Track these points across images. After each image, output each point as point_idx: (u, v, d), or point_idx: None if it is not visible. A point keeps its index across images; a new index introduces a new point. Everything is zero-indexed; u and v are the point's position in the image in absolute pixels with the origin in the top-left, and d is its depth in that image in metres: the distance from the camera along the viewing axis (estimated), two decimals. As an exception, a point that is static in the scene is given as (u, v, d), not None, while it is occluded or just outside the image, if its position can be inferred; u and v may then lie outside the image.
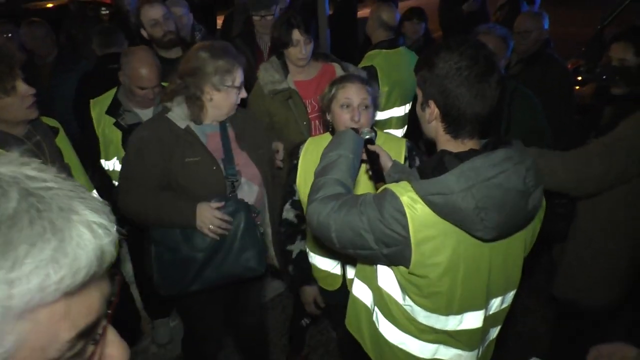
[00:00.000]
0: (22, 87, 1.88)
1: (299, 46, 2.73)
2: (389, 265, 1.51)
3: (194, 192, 2.14)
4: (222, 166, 2.19)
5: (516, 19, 3.41)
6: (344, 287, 2.25)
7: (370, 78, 2.77)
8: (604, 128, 2.17)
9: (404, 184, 1.41)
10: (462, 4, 5.34)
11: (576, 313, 2.41)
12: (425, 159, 2.07)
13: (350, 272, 2.23)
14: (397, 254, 1.40)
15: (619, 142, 2.04)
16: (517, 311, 1.85)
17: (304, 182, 2.20)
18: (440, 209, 1.33)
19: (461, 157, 1.38)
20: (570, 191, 2.16)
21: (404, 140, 2.24)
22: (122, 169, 2.27)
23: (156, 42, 3.18)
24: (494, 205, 1.30)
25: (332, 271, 2.27)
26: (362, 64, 3.33)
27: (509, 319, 1.72)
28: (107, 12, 9.04)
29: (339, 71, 2.92)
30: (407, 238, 1.36)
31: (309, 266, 2.35)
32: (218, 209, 2.12)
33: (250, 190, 2.30)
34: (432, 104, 1.43)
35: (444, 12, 5.75)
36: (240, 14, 6.66)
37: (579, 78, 4.05)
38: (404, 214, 1.35)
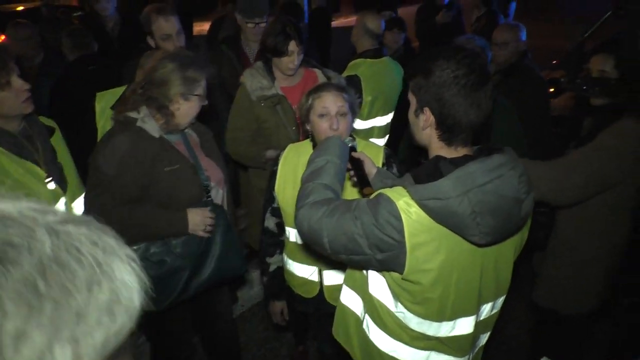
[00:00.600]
0: (17, 81, 1.91)
1: (293, 56, 2.75)
2: (381, 271, 1.51)
3: (175, 200, 2.13)
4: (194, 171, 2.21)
5: (494, 30, 3.48)
6: (321, 295, 2.27)
7: (354, 87, 2.79)
8: (584, 138, 2.23)
9: (399, 189, 1.41)
10: (436, 15, 5.44)
11: (556, 320, 2.45)
12: (412, 167, 2.09)
13: (328, 279, 2.24)
14: (391, 259, 1.40)
15: (598, 152, 2.09)
16: (499, 319, 1.88)
17: (282, 188, 2.21)
18: (436, 214, 1.33)
19: (456, 162, 1.39)
20: (551, 201, 2.21)
21: (382, 147, 2.26)
22: (94, 181, 2.12)
23: None
24: (489, 210, 1.31)
25: (310, 278, 2.27)
26: (346, 72, 3.34)
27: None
28: (79, 14, 8.90)
29: (320, 76, 2.95)
30: (402, 243, 1.36)
31: (282, 282, 2.38)
32: None
33: (217, 194, 2.32)
34: (427, 111, 1.44)
35: (420, 22, 5.85)
36: (232, 20, 6.62)
37: (552, 90, 4.16)
38: (400, 219, 1.35)
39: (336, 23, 8.26)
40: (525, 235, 1.60)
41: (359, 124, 3.30)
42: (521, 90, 3.20)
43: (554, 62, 5.76)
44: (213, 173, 2.30)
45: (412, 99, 1.50)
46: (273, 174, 2.27)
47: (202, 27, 7.67)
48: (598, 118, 2.22)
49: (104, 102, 2.70)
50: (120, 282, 0.48)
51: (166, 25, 3.06)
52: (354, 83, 3.14)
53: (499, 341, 3.15)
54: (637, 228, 2.08)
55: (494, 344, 3.03)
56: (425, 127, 1.47)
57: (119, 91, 2.70)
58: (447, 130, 1.43)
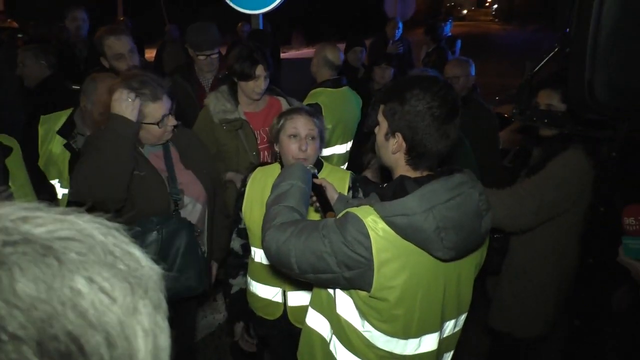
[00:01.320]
0: None
1: (259, 81, 2.78)
2: (348, 289, 1.53)
3: (139, 206, 2.11)
4: (166, 183, 2.20)
5: (446, 65, 3.66)
6: (285, 317, 2.26)
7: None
8: (534, 167, 2.36)
9: (366, 208, 1.45)
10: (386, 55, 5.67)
11: (510, 344, 2.53)
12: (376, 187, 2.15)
13: (292, 300, 2.24)
14: (358, 276, 1.42)
15: (548, 180, 2.22)
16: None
17: (249, 209, 2.22)
18: (403, 230, 1.38)
19: (420, 181, 1.46)
20: (506, 227, 2.31)
21: (349, 172, 2.31)
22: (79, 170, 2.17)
23: (117, 74, 3.07)
24: (453, 226, 1.37)
25: (273, 299, 2.26)
26: (307, 101, 3.40)
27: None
28: (21, 37, 8.67)
29: (284, 104, 3.01)
30: (370, 260, 1.39)
31: (244, 304, 2.36)
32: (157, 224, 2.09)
33: (193, 209, 2.30)
34: (399, 136, 1.49)
35: (371, 56, 6.05)
36: (172, 49, 6.64)
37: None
38: (367, 236, 1.38)
39: (287, 55, 8.37)
40: (484, 254, 1.67)
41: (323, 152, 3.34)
42: (473, 123, 3.36)
43: (497, 98, 6.08)
44: (191, 187, 2.28)
45: (382, 122, 1.55)
46: (240, 195, 2.28)
47: (152, 55, 7.63)
48: (546, 148, 2.36)
49: (47, 126, 2.65)
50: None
51: (117, 44, 3.06)
52: (315, 111, 3.20)
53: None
54: (586, 252, 2.20)
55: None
56: (395, 152, 1.52)
57: (63, 115, 2.68)
58: (416, 157, 1.50)
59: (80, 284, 0.41)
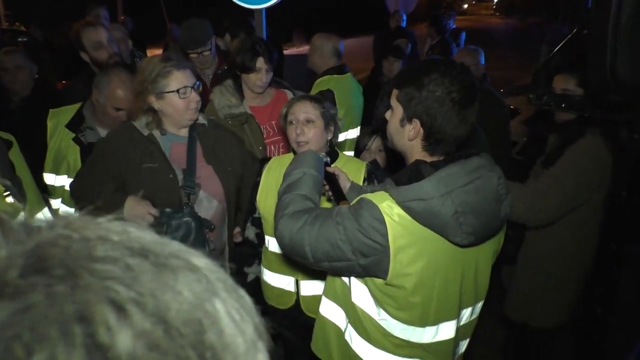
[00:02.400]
0: None
1: (261, 73, 2.75)
2: (364, 277, 1.49)
3: (147, 198, 2.10)
4: (180, 176, 2.17)
5: (456, 54, 3.61)
6: (297, 306, 2.24)
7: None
8: (551, 155, 2.31)
9: (381, 193, 1.41)
10: (393, 41, 5.62)
11: (526, 334, 2.49)
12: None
13: (305, 289, 2.21)
14: (374, 263, 1.39)
15: (568, 172, 2.17)
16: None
17: (264, 198, 2.20)
18: (420, 215, 1.34)
19: (436, 165, 1.42)
20: (527, 222, 2.26)
21: (365, 163, 2.27)
22: (83, 166, 2.34)
23: (99, 65, 3.04)
24: (472, 210, 1.33)
25: (286, 288, 2.24)
26: (315, 89, 3.36)
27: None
28: (24, 40, 8.71)
29: (290, 97, 2.94)
30: (385, 247, 1.35)
31: (259, 293, 2.34)
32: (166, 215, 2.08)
33: (209, 205, 2.26)
34: (416, 122, 1.44)
35: (377, 49, 6.01)
36: (174, 48, 6.61)
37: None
38: (383, 222, 1.35)
39: (288, 52, 8.40)
40: (502, 240, 1.63)
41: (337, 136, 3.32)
42: (482, 112, 3.30)
43: (502, 90, 6.04)
44: (209, 183, 2.25)
45: (397, 107, 1.50)
46: (256, 185, 2.27)
47: (154, 53, 7.63)
48: (563, 134, 2.31)
49: (57, 120, 2.64)
50: None
51: (95, 33, 3.06)
52: (328, 98, 3.17)
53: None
54: (608, 238, 2.16)
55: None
56: (412, 138, 1.47)
57: (72, 109, 2.66)
58: (434, 142, 1.45)
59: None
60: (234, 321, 0.41)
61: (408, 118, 1.46)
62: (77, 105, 2.67)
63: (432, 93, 1.39)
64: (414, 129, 1.45)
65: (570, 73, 2.27)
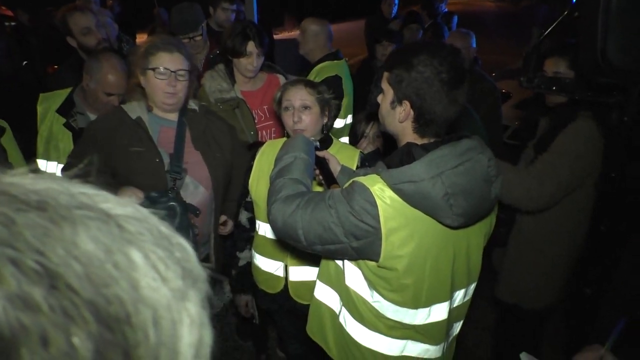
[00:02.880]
0: None
1: (252, 57, 2.73)
2: (356, 260, 1.51)
3: (133, 182, 2.09)
4: (166, 161, 2.17)
5: (448, 37, 3.60)
6: (286, 291, 2.25)
7: (335, 87, 2.86)
8: (543, 139, 2.31)
9: (372, 176, 1.42)
10: (385, 26, 5.57)
11: (518, 316, 2.51)
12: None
13: (293, 275, 2.23)
14: (366, 246, 1.40)
15: (563, 158, 2.17)
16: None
17: (256, 182, 2.20)
18: (411, 197, 1.35)
19: (427, 147, 1.42)
20: (523, 207, 2.27)
21: (358, 150, 2.27)
22: (72, 150, 2.33)
23: (87, 51, 3.00)
24: (462, 191, 1.34)
25: (275, 273, 2.26)
26: (320, 75, 3.30)
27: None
28: (12, 24, 8.57)
29: (283, 82, 2.92)
30: (377, 229, 1.36)
31: (250, 277, 2.37)
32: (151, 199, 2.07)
33: (195, 191, 2.25)
34: (406, 104, 1.45)
35: (369, 34, 5.96)
36: (161, 32, 6.51)
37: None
38: (374, 204, 1.36)
39: (279, 37, 8.32)
40: (493, 221, 1.64)
41: (339, 123, 3.31)
42: (473, 95, 3.31)
43: (493, 74, 6.04)
44: (196, 169, 2.24)
45: (387, 90, 1.50)
46: (249, 169, 2.26)
47: (143, 38, 7.52)
48: (554, 118, 2.32)
49: (47, 104, 2.62)
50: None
51: (83, 19, 3.04)
52: (335, 83, 3.14)
53: (460, 350, 3.22)
54: (599, 221, 2.17)
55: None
56: (402, 120, 1.48)
57: (62, 93, 2.64)
58: (424, 124, 1.45)
59: (137, 256, 0.39)
60: (157, 271, 0.40)
61: (398, 100, 1.47)
62: (67, 90, 2.65)
63: (421, 74, 1.39)
64: (404, 110, 1.46)
65: (561, 56, 2.26)
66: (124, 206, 0.43)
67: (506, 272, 2.51)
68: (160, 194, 2.10)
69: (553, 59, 2.29)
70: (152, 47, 2.11)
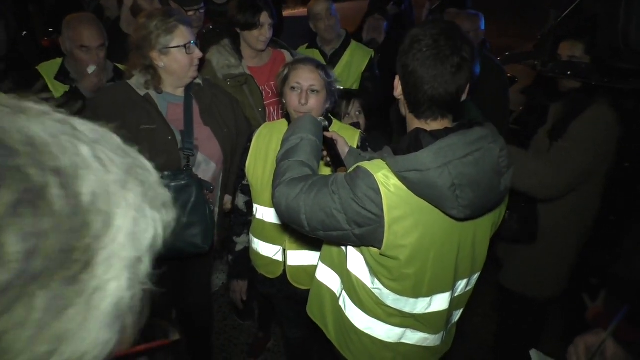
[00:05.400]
0: None
1: (264, 29, 2.68)
2: (359, 247, 1.47)
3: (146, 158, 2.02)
4: (179, 138, 2.13)
5: (455, 19, 3.50)
6: (284, 275, 2.23)
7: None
8: (558, 126, 2.25)
9: (377, 162, 1.38)
10: (382, 6, 5.45)
11: (523, 304, 2.49)
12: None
13: (291, 259, 2.21)
14: (369, 234, 1.36)
15: (579, 145, 2.12)
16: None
17: (253, 165, 2.16)
18: (416, 186, 1.30)
19: (436, 135, 1.36)
20: (539, 195, 2.23)
21: (358, 131, 2.23)
22: None
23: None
24: (469, 182, 1.29)
25: (274, 258, 2.23)
26: (366, 53, 3.38)
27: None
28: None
29: (288, 57, 2.90)
30: (380, 217, 1.33)
31: (247, 262, 2.35)
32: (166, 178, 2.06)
33: (207, 167, 2.23)
34: (397, 79, 1.43)
35: (370, 15, 5.84)
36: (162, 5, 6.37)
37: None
38: (378, 192, 1.32)
39: (284, 14, 8.19)
40: (502, 213, 1.60)
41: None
42: (481, 79, 3.24)
43: (499, 58, 5.96)
44: (206, 145, 2.21)
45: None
46: (245, 151, 2.22)
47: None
48: (568, 104, 2.25)
49: (45, 74, 2.59)
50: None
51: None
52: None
53: (459, 334, 3.23)
54: (609, 210, 2.14)
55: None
56: (398, 96, 1.46)
57: (56, 62, 2.63)
58: (413, 102, 1.40)
59: (84, 150, 0.46)
60: (102, 164, 0.47)
61: (395, 76, 1.45)
62: (59, 60, 2.63)
63: (405, 45, 1.36)
64: (396, 85, 1.44)
65: (577, 39, 2.19)
66: (83, 121, 0.50)
67: (512, 262, 2.49)
68: (175, 173, 2.08)
69: (569, 43, 2.22)
70: (169, 25, 2.04)
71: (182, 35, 2.05)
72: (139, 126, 2.06)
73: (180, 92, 2.20)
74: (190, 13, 3.31)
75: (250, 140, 2.22)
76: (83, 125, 0.49)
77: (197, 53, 2.11)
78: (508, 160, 1.39)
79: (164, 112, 2.15)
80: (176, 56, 2.07)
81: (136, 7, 3.21)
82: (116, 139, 0.52)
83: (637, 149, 1.95)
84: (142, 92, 2.11)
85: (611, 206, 2.13)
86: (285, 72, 2.07)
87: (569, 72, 2.11)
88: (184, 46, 2.05)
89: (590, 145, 2.10)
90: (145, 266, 0.50)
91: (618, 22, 1.65)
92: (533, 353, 1.57)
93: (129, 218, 0.47)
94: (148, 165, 0.55)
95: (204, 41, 2.95)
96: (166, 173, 2.04)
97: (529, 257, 2.40)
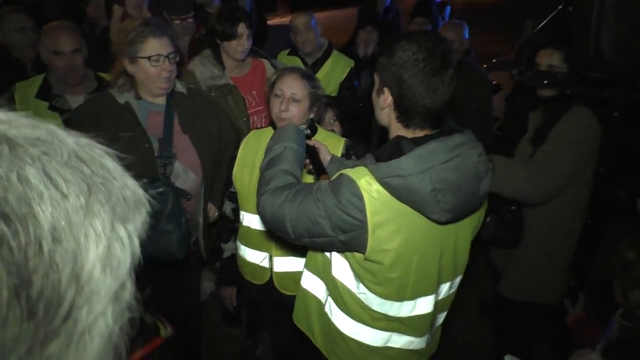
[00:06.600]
0: None
1: (242, 39, 2.72)
2: (344, 252, 1.51)
3: (126, 168, 2.03)
4: (156, 145, 2.15)
5: (440, 28, 3.57)
6: (271, 282, 2.25)
7: None
8: (540, 132, 2.31)
9: (360, 169, 1.41)
10: (374, 18, 5.52)
11: (524, 311, 2.52)
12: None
13: (278, 266, 2.23)
14: (354, 239, 1.40)
15: (563, 146, 2.18)
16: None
17: (240, 173, 2.19)
18: (398, 192, 1.34)
19: (417, 141, 1.41)
20: (527, 200, 2.29)
21: (343, 139, 2.27)
22: None
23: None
24: (450, 187, 1.34)
25: (260, 264, 2.25)
26: (346, 64, 3.43)
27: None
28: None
29: (268, 67, 2.96)
30: (364, 222, 1.36)
31: (235, 269, 2.36)
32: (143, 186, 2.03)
33: (185, 176, 2.25)
34: (386, 91, 1.44)
35: (360, 21, 5.91)
36: (152, 13, 6.39)
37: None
38: (361, 198, 1.35)
39: (272, 22, 8.24)
40: (482, 217, 1.64)
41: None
42: (465, 87, 3.29)
43: (484, 65, 6.03)
44: (185, 154, 2.22)
45: (376, 78, 1.51)
46: (233, 159, 2.24)
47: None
48: (548, 111, 2.31)
49: (24, 92, 2.58)
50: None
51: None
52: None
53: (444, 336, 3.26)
54: (596, 211, 2.19)
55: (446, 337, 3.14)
56: (384, 107, 1.47)
57: (37, 79, 2.62)
58: (404, 112, 1.44)
59: (31, 174, 0.40)
60: (57, 188, 0.41)
61: (381, 87, 1.47)
62: (41, 75, 2.63)
63: (398, 59, 1.38)
64: (385, 97, 1.45)
65: (555, 48, 2.25)
66: (34, 128, 0.44)
67: (511, 270, 2.52)
68: (151, 180, 2.08)
69: (547, 52, 2.28)
70: (140, 35, 2.05)
71: (151, 47, 2.06)
72: (118, 133, 2.08)
73: (161, 100, 2.22)
74: (177, 22, 3.36)
75: (237, 148, 2.24)
76: (20, 135, 0.42)
77: (166, 66, 2.11)
78: (487, 166, 1.44)
79: (144, 120, 2.17)
80: (143, 66, 2.08)
81: (125, 16, 3.25)
82: (65, 140, 0.45)
83: (611, 155, 2.01)
84: (121, 100, 2.13)
85: (588, 210, 2.19)
86: (273, 78, 2.11)
87: (545, 81, 2.17)
88: (149, 58, 2.06)
89: (573, 147, 2.16)
90: (129, 290, 0.47)
91: (590, 34, 1.71)
92: (508, 358, 1.61)
93: (102, 248, 0.43)
94: (109, 164, 0.49)
95: (197, 47, 3.00)
96: (143, 180, 2.05)
97: (529, 265, 2.42)
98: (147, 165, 2.11)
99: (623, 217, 1.96)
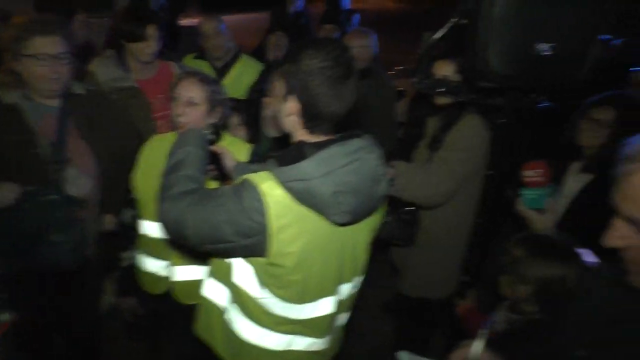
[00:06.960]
0: None
1: (151, 41, 2.61)
2: (247, 258, 1.50)
3: (9, 175, 1.94)
4: (47, 150, 2.03)
5: (346, 36, 3.66)
6: (172, 291, 2.19)
7: None
8: (436, 138, 2.46)
9: (263, 174, 1.41)
10: (285, 22, 5.57)
11: (419, 308, 2.66)
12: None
13: (178, 275, 2.17)
14: (256, 244, 1.40)
15: (454, 153, 2.33)
16: (357, 309, 2.03)
17: (140, 179, 2.12)
18: (300, 195, 1.36)
19: (319, 146, 1.43)
20: (424, 203, 2.42)
21: (248, 145, 2.26)
22: None
23: None
24: (350, 190, 1.38)
25: (160, 274, 2.19)
26: (255, 70, 3.43)
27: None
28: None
29: (176, 69, 2.87)
30: (266, 227, 1.36)
31: (134, 278, 2.28)
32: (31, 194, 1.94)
33: (80, 182, 2.13)
34: (293, 98, 1.44)
35: (273, 29, 5.93)
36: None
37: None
38: (263, 203, 1.35)
39: (183, 23, 8.08)
40: (379, 218, 1.70)
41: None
42: (372, 93, 3.41)
43: (390, 72, 6.25)
44: (81, 158, 2.11)
45: (279, 84, 1.49)
46: (133, 165, 2.16)
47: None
48: (443, 117, 2.46)
49: None
50: None
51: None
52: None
53: (358, 332, 3.33)
54: (487, 211, 2.34)
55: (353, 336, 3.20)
56: (289, 114, 1.47)
57: None
58: (310, 119, 1.45)
59: None
60: None
61: (286, 94, 1.46)
62: None
63: (305, 67, 1.39)
64: (291, 104, 1.45)
65: (449, 60, 2.40)
66: None
67: (411, 268, 2.64)
68: (41, 188, 1.96)
69: (442, 62, 2.42)
70: (26, 32, 1.92)
71: (38, 44, 1.95)
72: (5, 136, 1.95)
73: (55, 102, 2.09)
74: (94, 20, 3.19)
75: (139, 154, 2.16)
76: None
77: (53, 67, 1.99)
78: (384, 170, 1.50)
79: (38, 122, 2.03)
80: (29, 65, 1.96)
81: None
82: None
83: (499, 159, 2.19)
84: (9, 100, 1.99)
85: (480, 211, 2.35)
86: (174, 82, 2.06)
87: (441, 89, 2.30)
88: (34, 56, 1.94)
89: (466, 153, 2.32)
90: None
91: (479, 46, 1.83)
92: (403, 355, 1.67)
93: None
94: None
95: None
96: (30, 188, 1.93)
97: (423, 262, 2.57)
98: (38, 171, 1.97)
99: (511, 216, 2.13)
